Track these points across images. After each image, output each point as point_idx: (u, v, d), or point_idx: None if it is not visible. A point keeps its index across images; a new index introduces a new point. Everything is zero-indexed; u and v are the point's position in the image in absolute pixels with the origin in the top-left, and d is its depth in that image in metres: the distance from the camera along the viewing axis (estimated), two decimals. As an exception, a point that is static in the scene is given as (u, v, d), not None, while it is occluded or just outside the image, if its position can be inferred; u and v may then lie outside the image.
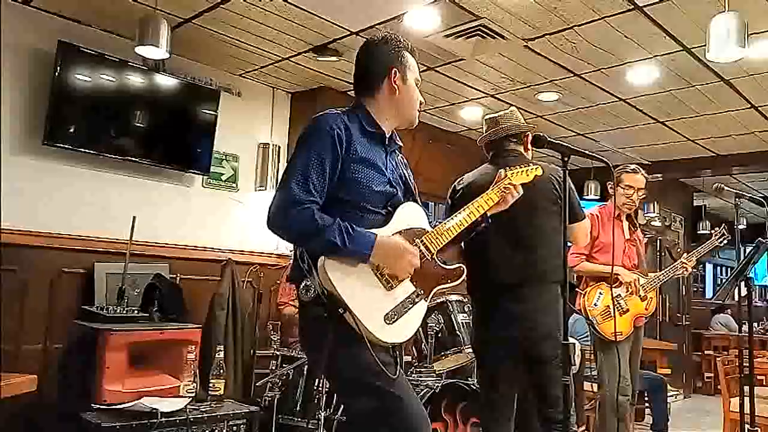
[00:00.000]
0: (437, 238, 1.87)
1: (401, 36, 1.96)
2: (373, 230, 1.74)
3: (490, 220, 2.05)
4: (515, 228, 2.36)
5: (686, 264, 3.50)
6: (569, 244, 2.88)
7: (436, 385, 3.15)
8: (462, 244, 2.37)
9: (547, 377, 2.41)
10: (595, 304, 3.32)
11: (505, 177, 2.05)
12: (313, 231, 1.66)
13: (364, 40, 2.01)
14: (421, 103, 1.97)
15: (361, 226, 1.72)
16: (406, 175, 1.98)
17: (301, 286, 1.72)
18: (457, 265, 1.92)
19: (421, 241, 1.83)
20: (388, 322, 1.72)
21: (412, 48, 1.97)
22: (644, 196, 3.59)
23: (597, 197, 6.19)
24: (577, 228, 2.63)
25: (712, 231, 3.62)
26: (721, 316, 8.40)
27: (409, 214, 1.87)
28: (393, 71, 1.88)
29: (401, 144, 2.01)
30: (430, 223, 1.93)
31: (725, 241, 3.59)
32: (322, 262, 1.66)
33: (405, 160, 2.03)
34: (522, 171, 2.10)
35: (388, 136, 1.92)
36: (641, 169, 3.57)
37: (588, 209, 3.41)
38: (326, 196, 1.73)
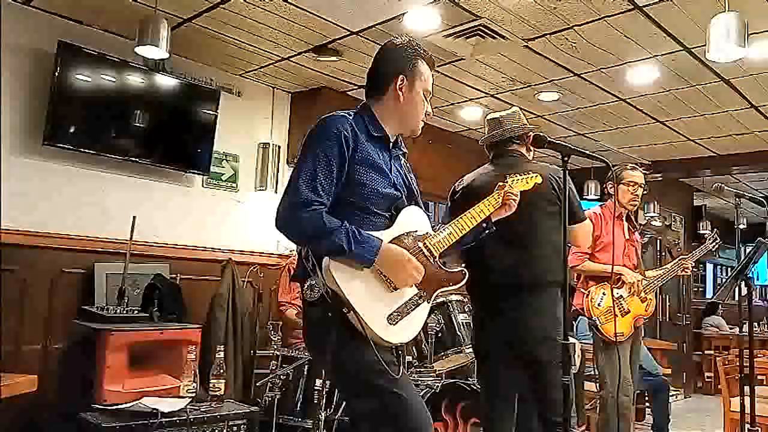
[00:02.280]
0: (440, 241, 1.88)
1: (420, 44, 1.94)
2: (379, 234, 1.75)
3: (495, 228, 2.07)
4: (512, 229, 2.36)
5: (686, 265, 3.52)
6: (569, 245, 2.88)
7: (436, 385, 3.15)
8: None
9: (546, 379, 2.41)
10: (599, 305, 3.32)
11: (504, 184, 2.08)
12: (321, 233, 1.66)
13: (384, 41, 2.00)
14: (428, 114, 1.94)
15: (365, 229, 1.73)
16: (410, 179, 1.99)
17: (306, 286, 1.73)
18: (459, 269, 1.93)
19: (424, 244, 1.84)
20: (391, 322, 1.73)
21: (430, 58, 1.95)
22: (646, 192, 3.61)
23: (597, 197, 6.19)
24: (578, 229, 2.62)
25: (706, 235, 3.65)
26: (712, 317, 8.38)
27: (413, 218, 1.88)
28: (400, 77, 1.87)
29: (406, 150, 2.01)
30: (432, 226, 1.94)
31: (717, 246, 3.63)
32: (327, 263, 1.67)
33: (408, 165, 2.04)
34: (522, 179, 2.15)
35: (392, 140, 1.92)
36: (638, 166, 3.61)
37: (590, 208, 3.42)
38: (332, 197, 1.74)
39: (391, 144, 1.92)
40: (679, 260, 3.55)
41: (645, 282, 3.44)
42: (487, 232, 2.06)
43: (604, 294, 3.35)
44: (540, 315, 2.43)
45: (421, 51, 1.93)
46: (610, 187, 3.55)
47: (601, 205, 3.61)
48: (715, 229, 3.81)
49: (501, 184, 2.09)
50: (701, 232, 7.99)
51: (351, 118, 1.83)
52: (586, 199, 6.21)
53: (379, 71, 1.92)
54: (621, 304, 3.36)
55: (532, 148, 2.66)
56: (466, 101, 4.97)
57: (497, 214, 2.06)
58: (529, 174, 2.19)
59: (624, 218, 3.54)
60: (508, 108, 2.79)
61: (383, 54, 1.94)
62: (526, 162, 2.61)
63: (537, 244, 2.48)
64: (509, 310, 2.45)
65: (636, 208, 3.60)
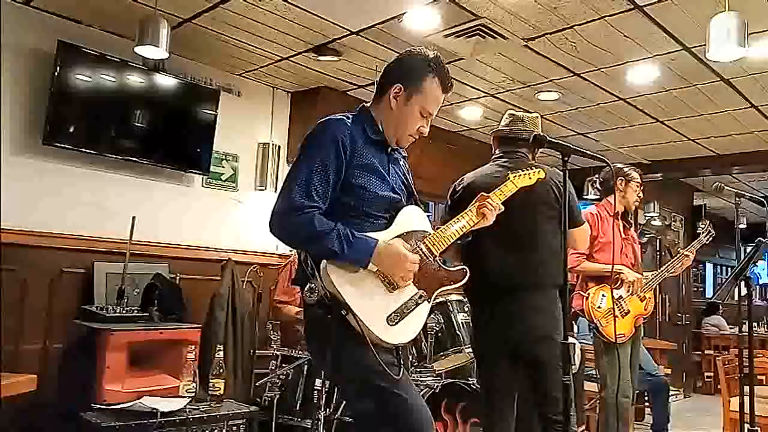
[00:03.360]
0: (440, 240, 1.88)
1: (441, 61, 1.87)
2: (375, 234, 1.75)
3: (470, 236, 2.05)
4: (512, 231, 2.36)
5: (687, 256, 3.54)
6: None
7: (436, 385, 3.15)
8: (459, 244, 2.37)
9: (546, 379, 2.41)
10: (599, 307, 3.32)
11: (507, 181, 2.07)
12: (313, 237, 1.67)
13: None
14: (421, 134, 1.89)
15: (365, 231, 1.73)
16: (408, 181, 1.99)
17: (306, 289, 1.73)
18: (460, 268, 1.93)
19: (424, 243, 1.84)
20: (390, 323, 1.73)
21: (446, 79, 1.87)
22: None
23: (597, 197, 6.17)
24: (577, 233, 2.62)
25: (700, 228, 3.71)
26: (713, 317, 8.39)
27: (412, 217, 1.88)
28: (397, 86, 1.84)
29: (405, 155, 2.00)
30: (432, 226, 1.94)
31: (711, 238, 3.70)
32: (325, 265, 1.67)
33: (407, 167, 2.03)
34: (525, 174, 2.15)
35: (390, 145, 1.91)
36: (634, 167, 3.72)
37: (585, 209, 3.43)
38: (330, 200, 1.74)
39: (389, 147, 1.91)
40: (677, 258, 3.58)
41: (644, 280, 3.44)
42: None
43: (603, 296, 3.35)
44: (538, 314, 2.43)
45: (437, 69, 1.85)
46: (621, 183, 3.56)
47: (596, 204, 3.62)
48: (709, 222, 3.84)
49: (484, 198, 2.05)
50: (700, 230, 7.98)
51: (349, 121, 1.83)
52: (586, 199, 6.21)
53: (384, 76, 1.91)
54: (621, 304, 3.36)
55: (536, 156, 2.68)
56: (466, 101, 4.96)
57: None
58: (531, 170, 2.19)
59: (619, 217, 3.55)
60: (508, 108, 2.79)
61: (397, 59, 1.92)
62: (528, 164, 2.61)
63: (535, 246, 2.47)
64: (508, 310, 2.45)
65: (636, 207, 3.65)
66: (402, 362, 1.80)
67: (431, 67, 1.85)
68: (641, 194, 3.60)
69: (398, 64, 1.90)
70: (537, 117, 2.73)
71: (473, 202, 2.03)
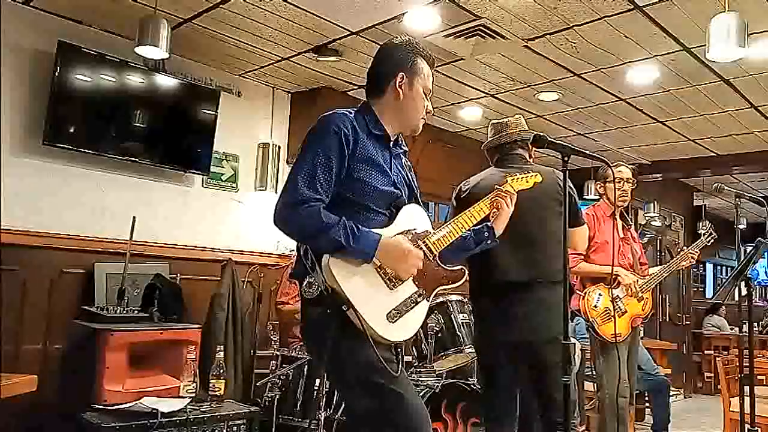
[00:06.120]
0: (439, 239, 1.88)
1: (421, 43, 1.96)
2: (378, 230, 1.75)
3: (498, 241, 2.10)
4: (522, 227, 2.36)
5: (683, 260, 3.53)
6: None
7: (436, 385, 3.15)
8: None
9: (552, 382, 2.40)
10: (595, 306, 3.31)
11: (504, 183, 2.08)
12: (319, 229, 1.67)
13: (384, 41, 2.01)
14: (428, 112, 1.96)
15: (365, 226, 1.73)
16: (410, 177, 2.00)
17: (304, 284, 1.73)
18: (459, 267, 1.94)
19: (424, 242, 1.84)
20: (390, 320, 1.73)
21: (430, 56, 1.96)
22: (635, 186, 3.63)
23: (597, 197, 6.17)
24: (577, 233, 2.63)
25: (702, 230, 3.70)
26: (714, 317, 8.39)
27: (412, 216, 1.89)
28: (400, 75, 1.88)
29: (407, 149, 2.02)
30: (432, 224, 1.95)
31: (712, 240, 3.66)
32: (327, 260, 1.67)
33: (409, 163, 2.04)
34: (522, 178, 2.17)
35: (393, 138, 1.93)
36: (623, 163, 3.68)
37: (582, 209, 3.43)
38: (332, 194, 1.75)
39: (391, 142, 1.93)
40: (676, 259, 3.57)
41: (641, 281, 3.43)
42: (488, 241, 2.08)
43: (600, 295, 3.34)
44: (546, 315, 2.42)
45: (421, 49, 1.94)
46: (599, 187, 3.59)
47: (592, 205, 3.61)
48: (710, 224, 3.83)
49: (498, 185, 2.09)
50: (701, 231, 7.99)
51: (352, 116, 1.84)
52: (585, 199, 6.21)
53: (379, 70, 1.93)
54: (618, 304, 3.35)
55: (533, 154, 2.69)
56: (466, 101, 4.96)
57: (499, 218, 2.07)
58: (529, 173, 2.20)
59: (618, 216, 3.54)
60: (511, 114, 2.80)
61: (383, 53, 1.95)
62: (529, 165, 2.62)
63: (547, 242, 2.48)
64: (515, 308, 2.45)
65: (627, 203, 3.61)
66: (400, 360, 1.80)
67: (415, 48, 1.93)
68: (626, 188, 3.51)
69: (388, 56, 1.93)
70: (519, 117, 2.75)
71: (483, 199, 2.06)
